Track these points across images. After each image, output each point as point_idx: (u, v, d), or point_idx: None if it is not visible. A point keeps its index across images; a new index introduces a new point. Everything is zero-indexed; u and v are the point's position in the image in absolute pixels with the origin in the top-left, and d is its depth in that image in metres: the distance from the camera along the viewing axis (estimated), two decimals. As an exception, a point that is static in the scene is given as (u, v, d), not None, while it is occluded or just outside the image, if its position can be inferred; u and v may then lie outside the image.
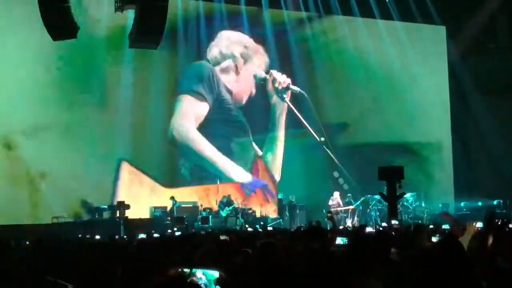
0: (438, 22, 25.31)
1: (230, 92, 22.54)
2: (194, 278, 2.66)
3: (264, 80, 22.97)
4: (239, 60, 22.74)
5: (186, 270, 2.69)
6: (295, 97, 23.34)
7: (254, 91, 22.97)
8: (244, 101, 22.86)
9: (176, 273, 2.67)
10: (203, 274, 2.71)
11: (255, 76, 22.85)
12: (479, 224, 5.97)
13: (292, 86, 23.17)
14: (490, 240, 5.06)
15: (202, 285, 2.69)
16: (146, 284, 4.29)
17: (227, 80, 22.54)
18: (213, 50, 22.41)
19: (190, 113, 21.84)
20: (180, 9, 21.87)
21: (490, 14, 24.50)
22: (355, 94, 24.57)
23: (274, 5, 23.33)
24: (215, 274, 2.72)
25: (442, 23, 25.68)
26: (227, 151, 22.34)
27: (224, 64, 22.54)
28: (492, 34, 25.53)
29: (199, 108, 21.98)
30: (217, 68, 22.43)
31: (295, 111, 23.21)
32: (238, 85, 22.76)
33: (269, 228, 15.50)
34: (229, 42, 22.74)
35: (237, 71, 22.69)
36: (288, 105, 23.28)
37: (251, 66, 23.01)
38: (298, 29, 24.04)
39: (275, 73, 23.14)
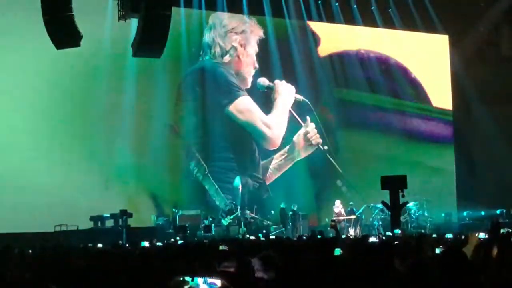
0: (442, 31, 25.36)
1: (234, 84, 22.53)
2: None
3: (268, 88, 22.85)
4: (239, 50, 22.68)
5: (188, 278, 2.69)
6: (298, 105, 23.30)
7: (253, 72, 22.82)
8: (249, 85, 22.76)
9: (175, 283, 2.67)
10: (205, 283, 2.70)
11: (258, 84, 22.75)
12: (482, 235, 5.94)
13: (295, 95, 23.12)
14: (495, 251, 5.05)
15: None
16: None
17: (230, 71, 22.51)
18: (213, 47, 22.38)
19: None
20: (183, 17, 21.89)
21: (493, 23, 24.55)
22: (358, 102, 24.60)
23: (276, 14, 23.34)
24: (217, 282, 2.72)
25: (446, 32, 25.72)
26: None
27: (226, 58, 22.51)
28: (495, 44, 25.57)
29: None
30: (219, 61, 22.44)
31: (298, 119, 23.17)
32: (240, 71, 22.69)
33: (272, 237, 15.46)
34: (224, 30, 22.66)
35: (239, 60, 22.68)
36: (291, 113, 23.23)
37: (250, 49, 22.87)
38: (301, 38, 24.04)
39: (280, 84, 23.02)
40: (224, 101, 22.16)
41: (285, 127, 23.02)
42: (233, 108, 22.17)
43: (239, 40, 22.67)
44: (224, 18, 22.68)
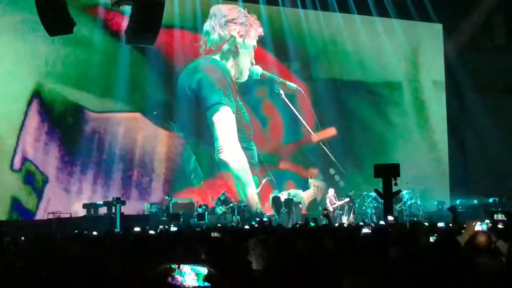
0: (435, 20, 25.33)
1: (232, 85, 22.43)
2: (177, 277, 2.64)
3: (262, 75, 22.79)
4: (238, 40, 22.50)
5: (173, 266, 2.68)
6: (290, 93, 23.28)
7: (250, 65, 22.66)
8: (245, 78, 22.67)
9: (159, 271, 2.66)
10: (192, 270, 2.69)
11: (251, 72, 22.67)
12: (479, 224, 5.95)
13: (289, 83, 23.11)
14: (483, 239, 5.06)
15: (189, 281, 2.68)
16: (131, 282, 4.29)
17: (228, 65, 22.40)
18: (212, 35, 22.23)
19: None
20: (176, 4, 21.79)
21: (487, 12, 24.53)
22: (351, 91, 24.63)
23: (271, 2, 23.26)
24: (204, 270, 2.71)
25: (439, 21, 25.70)
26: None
27: (224, 47, 22.32)
28: (489, 33, 25.57)
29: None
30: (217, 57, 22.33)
31: (292, 107, 23.16)
32: (238, 63, 22.56)
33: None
34: (225, 20, 22.50)
35: (237, 51, 22.53)
36: (284, 101, 23.19)
37: (249, 41, 22.69)
38: (294, 27, 23.97)
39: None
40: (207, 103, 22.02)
41: None
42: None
43: (238, 30, 22.49)
44: (225, 9, 22.53)
